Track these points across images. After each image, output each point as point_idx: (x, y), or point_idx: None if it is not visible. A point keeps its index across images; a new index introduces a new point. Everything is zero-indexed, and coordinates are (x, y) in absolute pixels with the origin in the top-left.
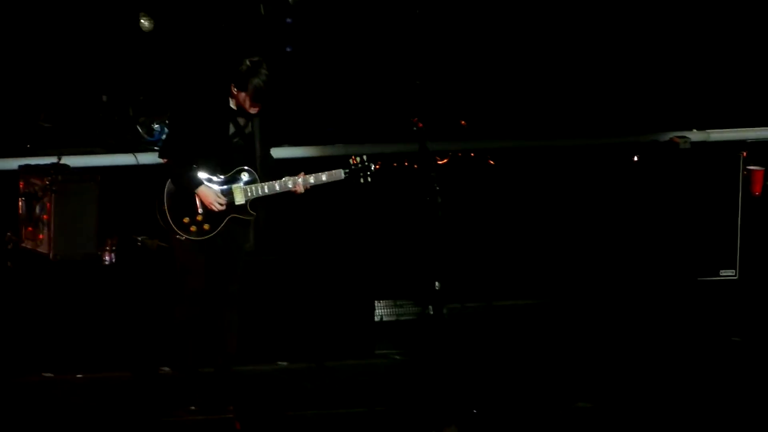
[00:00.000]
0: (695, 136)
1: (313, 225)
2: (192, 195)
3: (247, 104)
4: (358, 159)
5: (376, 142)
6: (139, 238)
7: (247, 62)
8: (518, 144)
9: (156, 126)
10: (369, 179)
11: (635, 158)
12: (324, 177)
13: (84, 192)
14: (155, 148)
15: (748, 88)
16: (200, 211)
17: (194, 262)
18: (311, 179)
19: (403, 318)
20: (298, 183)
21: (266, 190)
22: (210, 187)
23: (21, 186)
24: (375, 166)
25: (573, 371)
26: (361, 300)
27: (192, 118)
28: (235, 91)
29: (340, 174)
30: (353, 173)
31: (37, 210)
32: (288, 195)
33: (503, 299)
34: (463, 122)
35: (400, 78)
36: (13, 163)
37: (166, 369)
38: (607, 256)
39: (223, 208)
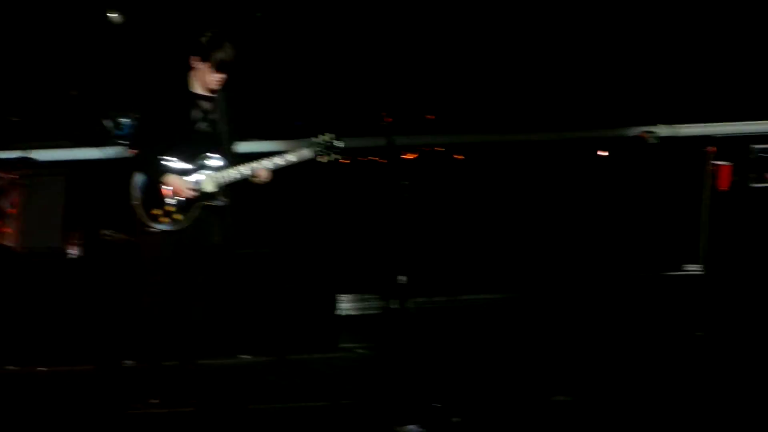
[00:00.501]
0: (663, 131)
1: (278, 219)
2: (161, 185)
3: (212, 76)
4: (325, 137)
5: (344, 136)
6: (106, 232)
7: (209, 33)
8: (486, 139)
9: (124, 120)
10: (337, 157)
11: (603, 153)
12: (292, 157)
13: (51, 186)
14: (123, 141)
15: (716, 83)
16: (171, 201)
17: (161, 255)
18: (279, 160)
19: (367, 312)
20: (265, 165)
21: (235, 175)
22: (178, 176)
23: None
24: (342, 143)
25: (539, 365)
26: (325, 294)
27: (156, 106)
28: (197, 64)
29: (308, 153)
30: (321, 152)
31: (5, 204)
32: (256, 184)
33: (469, 293)
34: (430, 117)
35: (369, 73)
36: None
37: (130, 362)
38: (574, 250)
39: (194, 196)
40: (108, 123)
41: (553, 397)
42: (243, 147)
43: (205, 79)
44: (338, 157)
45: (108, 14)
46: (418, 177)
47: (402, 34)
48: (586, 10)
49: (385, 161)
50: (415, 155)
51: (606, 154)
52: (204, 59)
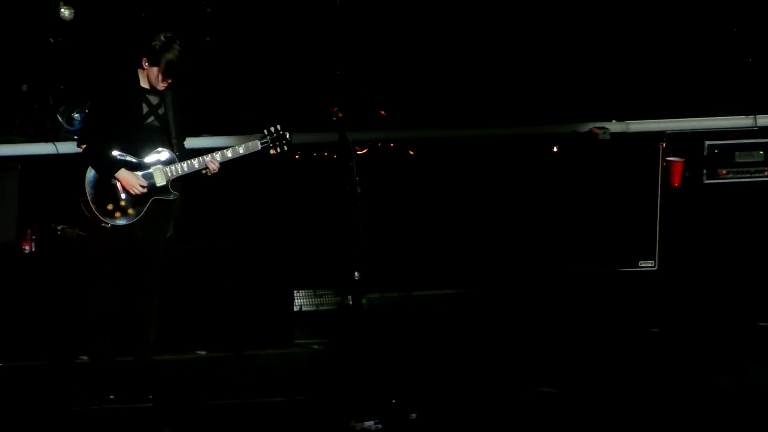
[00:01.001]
0: (615, 126)
1: (232, 214)
2: (113, 181)
3: (159, 79)
4: (273, 129)
5: (297, 132)
6: (59, 227)
7: (161, 37)
8: (438, 134)
9: (76, 115)
10: (285, 148)
11: (555, 149)
12: (240, 149)
13: (4, 181)
14: (75, 137)
15: (667, 79)
16: (123, 196)
17: (114, 250)
18: (228, 153)
19: (322, 308)
20: (215, 158)
21: (185, 169)
22: (129, 171)
23: None
24: (289, 135)
25: (491, 361)
26: (281, 289)
27: (104, 101)
28: (146, 65)
29: (256, 145)
30: (269, 143)
31: None
32: (207, 177)
33: (423, 289)
34: (382, 112)
35: (321, 67)
36: None
37: (84, 358)
38: (527, 246)
39: (145, 190)
40: (60, 118)
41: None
42: (195, 142)
43: (152, 80)
44: (286, 148)
45: (60, 8)
46: (370, 172)
47: (355, 28)
48: (543, 6)
49: (337, 156)
50: (365, 150)
51: (557, 149)
52: (152, 63)
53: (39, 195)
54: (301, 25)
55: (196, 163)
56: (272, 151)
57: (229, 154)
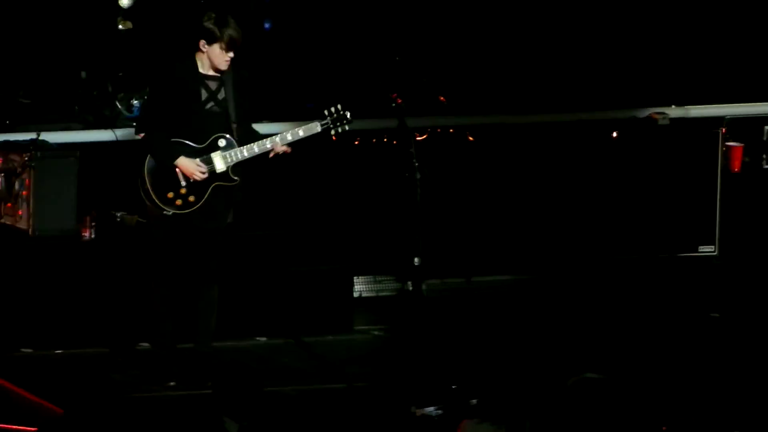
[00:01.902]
0: (674, 112)
1: (292, 200)
2: (172, 168)
3: (219, 58)
4: (333, 109)
5: (356, 118)
6: (118, 214)
7: (212, 14)
8: (497, 120)
9: (135, 102)
10: (346, 128)
11: (614, 134)
12: (300, 132)
13: (63, 168)
14: (134, 124)
15: (727, 64)
16: (183, 183)
17: (173, 238)
18: (288, 135)
19: (382, 294)
20: (275, 141)
21: (245, 154)
22: (189, 158)
23: (0, 162)
24: (350, 114)
25: (553, 347)
26: (340, 275)
27: (162, 88)
28: (205, 47)
29: (316, 126)
30: (329, 124)
31: (16, 186)
32: (269, 162)
33: (483, 275)
34: (442, 98)
35: (380, 54)
36: None
37: (145, 345)
38: (587, 232)
39: (206, 176)
40: (118, 104)
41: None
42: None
43: (214, 60)
44: (347, 127)
45: None
46: (430, 158)
47: (413, 14)
48: None
49: (397, 142)
50: (425, 136)
51: (616, 135)
52: (210, 41)
53: (98, 182)
54: (360, 10)
55: (256, 147)
56: (332, 132)
57: (289, 137)
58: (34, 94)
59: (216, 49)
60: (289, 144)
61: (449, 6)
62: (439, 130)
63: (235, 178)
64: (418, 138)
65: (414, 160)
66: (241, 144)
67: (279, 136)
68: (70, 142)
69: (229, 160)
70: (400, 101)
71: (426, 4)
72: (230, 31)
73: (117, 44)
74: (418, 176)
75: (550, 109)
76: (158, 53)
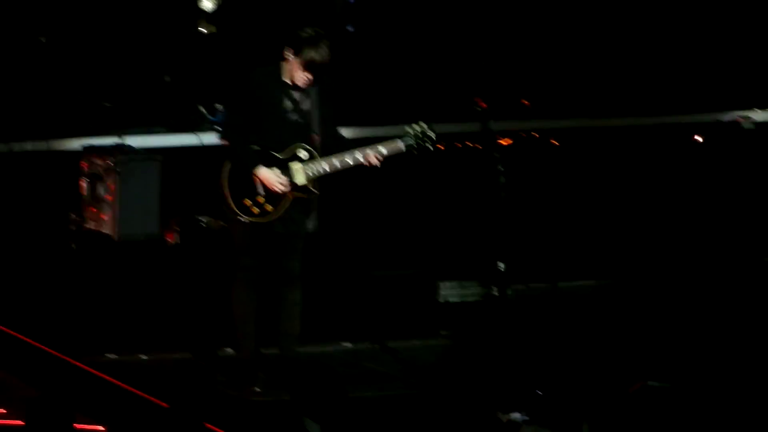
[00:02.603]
0: (759, 115)
1: (377, 205)
2: (252, 176)
3: (299, 73)
4: (417, 127)
5: (440, 122)
6: (203, 219)
7: (309, 30)
8: (581, 124)
9: (219, 106)
10: (430, 148)
11: (698, 138)
12: (384, 150)
13: (147, 172)
14: (218, 128)
15: None
16: (261, 192)
17: (253, 243)
18: (370, 153)
19: (467, 299)
20: (357, 159)
21: (326, 168)
22: (270, 168)
23: (84, 166)
24: (434, 134)
25: (639, 352)
26: (425, 280)
27: (246, 95)
28: (290, 56)
29: (400, 146)
30: (412, 143)
31: (101, 190)
32: (353, 171)
33: (568, 280)
34: (525, 102)
35: (464, 57)
36: (76, 144)
37: (229, 350)
38: (672, 236)
39: (285, 189)
40: (202, 108)
41: (649, 382)
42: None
43: (293, 74)
44: (431, 148)
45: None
46: (514, 163)
47: (496, 18)
48: None
49: (481, 147)
50: (510, 141)
51: (701, 139)
52: (296, 54)
53: (182, 186)
54: (444, 13)
55: (337, 162)
56: (415, 151)
57: (371, 154)
58: (118, 98)
59: (297, 63)
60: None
61: (534, 10)
62: (523, 135)
63: (315, 191)
64: (503, 143)
65: (498, 165)
66: (323, 154)
67: (362, 154)
68: (153, 147)
69: (311, 174)
70: (484, 105)
71: (510, 8)
72: (314, 54)
73: (201, 48)
74: (503, 180)
75: (635, 112)
76: (241, 59)
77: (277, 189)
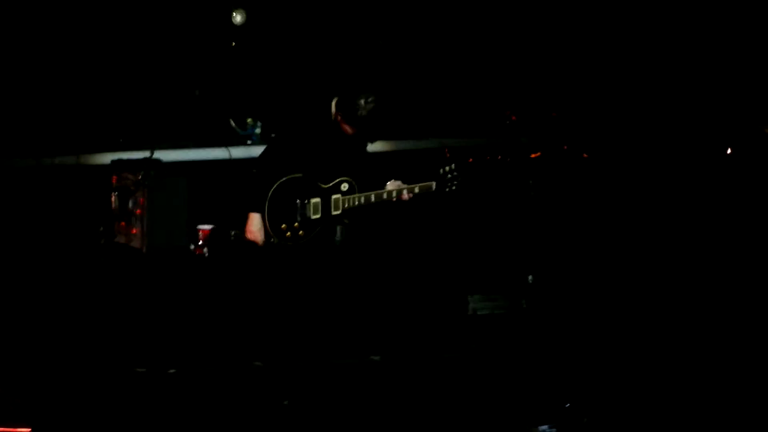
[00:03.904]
0: None
1: (403, 219)
2: (293, 203)
3: (348, 130)
4: (447, 168)
5: (471, 137)
6: (233, 232)
7: (362, 103)
8: (611, 136)
9: (249, 120)
10: (454, 188)
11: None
12: (416, 189)
13: (176, 186)
14: (248, 141)
15: None
16: (298, 218)
17: (281, 262)
18: (404, 191)
19: (496, 311)
20: (391, 195)
21: (362, 201)
22: (260, 219)
23: (113, 181)
24: (462, 176)
25: (660, 364)
26: (455, 293)
27: (291, 133)
28: (339, 117)
29: (431, 187)
30: (443, 183)
31: (130, 204)
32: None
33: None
34: (554, 114)
35: (493, 72)
36: (106, 158)
37: (258, 363)
38: (699, 248)
39: (256, 240)
40: (232, 122)
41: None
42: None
43: (342, 126)
44: (454, 188)
45: (233, 14)
46: (544, 176)
47: (525, 33)
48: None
49: (510, 160)
50: (539, 153)
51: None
52: (345, 120)
53: (212, 199)
54: (475, 31)
55: (373, 197)
56: (447, 191)
57: (405, 193)
58: (148, 112)
59: (346, 126)
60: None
61: (564, 23)
62: (552, 147)
63: (346, 220)
64: (532, 155)
65: (528, 178)
66: (361, 190)
67: (396, 190)
68: (183, 160)
69: (346, 205)
70: (514, 118)
71: (540, 22)
72: (366, 122)
73: (231, 62)
74: (532, 193)
75: (664, 124)
76: (273, 71)
77: (248, 236)
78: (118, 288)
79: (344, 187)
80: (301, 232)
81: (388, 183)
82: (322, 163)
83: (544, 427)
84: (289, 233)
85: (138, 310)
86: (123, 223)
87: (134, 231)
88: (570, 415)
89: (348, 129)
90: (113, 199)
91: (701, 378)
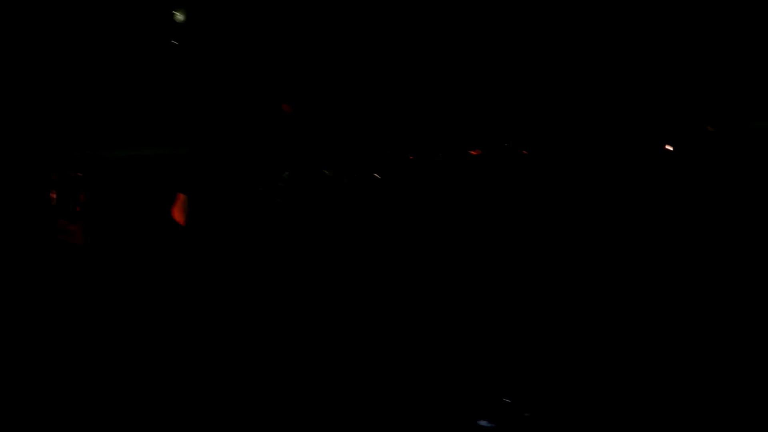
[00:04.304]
0: None
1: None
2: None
3: None
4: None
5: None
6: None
7: None
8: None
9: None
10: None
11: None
12: None
13: (120, 183)
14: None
15: None
16: None
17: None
18: None
19: None
20: None
21: None
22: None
23: (54, 178)
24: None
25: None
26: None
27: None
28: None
29: None
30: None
31: (71, 202)
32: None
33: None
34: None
35: (432, 66)
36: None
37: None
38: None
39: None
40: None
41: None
42: None
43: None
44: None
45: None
46: (484, 173)
47: (461, 27)
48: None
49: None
50: (479, 152)
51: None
52: None
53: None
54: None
55: None
56: None
57: None
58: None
59: None
60: None
61: (497, 18)
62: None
63: None
64: (472, 153)
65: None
66: None
67: None
68: (128, 157)
69: None
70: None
71: (472, 16)
72: None
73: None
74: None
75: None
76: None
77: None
78: (62, 285)
79: None
80: None
81: None
82: None
83: (483, 422)
84: None
85: (82, 308)
86: (64, 221)
87: (74, 228)
88: (510, 411)
89: None
90: (54, 196)
91: (666, 377)
